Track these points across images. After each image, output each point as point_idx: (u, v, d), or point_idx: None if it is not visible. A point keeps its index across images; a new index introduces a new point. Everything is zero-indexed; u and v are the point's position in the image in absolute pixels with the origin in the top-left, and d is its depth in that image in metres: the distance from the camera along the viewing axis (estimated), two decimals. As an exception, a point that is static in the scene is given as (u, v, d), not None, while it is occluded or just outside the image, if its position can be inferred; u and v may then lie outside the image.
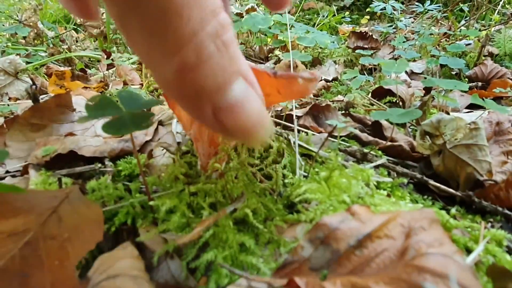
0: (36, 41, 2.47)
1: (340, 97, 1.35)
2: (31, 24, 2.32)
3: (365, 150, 0.80)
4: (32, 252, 0.42)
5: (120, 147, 0.71)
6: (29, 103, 1.14)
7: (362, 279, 0.32)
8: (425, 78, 1.06)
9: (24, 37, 2.44)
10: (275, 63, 2.05)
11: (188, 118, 0.55)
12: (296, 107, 0.96)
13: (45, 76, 1.67)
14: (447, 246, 0.34)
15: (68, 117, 0.85)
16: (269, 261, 0.42)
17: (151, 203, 0.49)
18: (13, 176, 0.67)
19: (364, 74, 1.75)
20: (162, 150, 0.72)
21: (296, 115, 0.83)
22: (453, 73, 1.82)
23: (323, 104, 0.94)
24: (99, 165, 0.65)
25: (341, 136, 0.86)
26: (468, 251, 0.52)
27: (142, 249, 0.45)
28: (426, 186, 0.75)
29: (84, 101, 0.92)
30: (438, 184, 0.71)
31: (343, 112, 1.04)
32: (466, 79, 1.77)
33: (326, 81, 1.81)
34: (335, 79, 1.86)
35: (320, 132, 0.88)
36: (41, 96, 1.05)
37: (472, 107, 1.37)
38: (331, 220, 0.40)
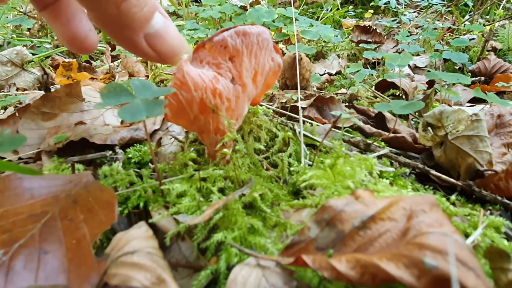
0: (40, 33, 2.48)
1: (343, 91, 1.36)
2: (35, 16, 2.34)
3: (369, 141, 0.82)
4: (51, 232, 0.44)
5: (130, 135, 0.73)
6: (37, 93, 1.16)
7: (366, 256, 0.34)
8: (429, 71, 1.07)
9: (29, 29, 2.46)
10: (278, 57, 2.05)
11: (188, 118, 0.56)
12: (300, 99, 0.98)
13: (51, 67, 1.69)
14: (446, 226, 0.36)
15: (78, 106, 0.87)
16: (276, 242, 0.44)
17: (162, 187, 0.51)
18: (26, 163, 0.69)
19: (368, 68, 1.76)
20: (171, 138, 0.74)
21: (301, 106, 0.84)
22: (457, 67, 1.83)
23: (327, 96, 0.96)
24: (110, 152, 0.67)
25: (345, 127, 0.88)
26: (467, 237, 0.54)
27: (155, 231, 0.47)
28: (427, 176, 0.77)
29: (93, 92, 0.94)
30: (439, 174, 0.73)
31: (346, 104, 1.06)
32: (469, 74, 1.78)
33: (330, 74, 1.82)
34: (338, 72, 1.87)
35: (324, 123, 0.90)
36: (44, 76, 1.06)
37: (474, 101, 1.38)
38: (337, 202, 0.42)
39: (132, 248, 0.38)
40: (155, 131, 0.78)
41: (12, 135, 0.52)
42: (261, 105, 0.89)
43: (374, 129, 0.91)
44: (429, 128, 0.81)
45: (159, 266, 0.36)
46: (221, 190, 0.52)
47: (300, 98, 0.92)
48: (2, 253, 0.39)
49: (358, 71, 1.36)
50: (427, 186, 0.74)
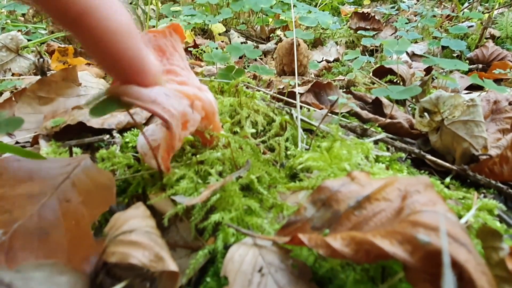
0: (35, 19, 2.45)
1: (341, 77, 1.36)
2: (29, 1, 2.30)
3: (366, 126, 0.82)
4: (50, 213, 0.45)
5: (127, 119, 0.73)
6: (33, 78, 1.15)
7: (360, 233, 0.34)
8: (427, 58, 1.07)
9: (23, 14, 2.42)
10: (276, 43, 2.04)
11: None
12: (298, 85, 0.98)
13: (46, 53, 1.67)
14: (440, 205, 0.36)
15: (74, 91, 0.86)
16: (273, 223, 0.45)
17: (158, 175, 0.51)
18: (23, 147, 0.69)
19: (366, 55, 1.76)
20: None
21: (298, 92, 0.84)
22: (455, 55, 1.83)
23: (325, 82, 0.96)
24: (107, 136, 0.67)
25: (342, 113, 0.88)
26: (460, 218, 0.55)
27: (153, 213, 0.48)
28: (423, 161, 0.77)
29: (89, 76, 0.93)
30: (434, 159, 0.73)
31: (344, 90, 1.06)
32: (467, 61, 1.77)
33: (328, 62, 1.82)
34: (336, 60, 1.87)
35: (321, 109, 0.90)
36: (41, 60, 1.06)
37: (471, 88, 1.38)
38: (333, 183, 0.42)
39: (130, 227, 0.38)
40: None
41: (9, 117, 0.52)
42: (259, 91, 0.89)
43: (371, 115, 0.92)
44: (426, 113, 0.81)
45: (157, 244, 0.37)
46: (219, 174, 0.52)
47: (298, 84, 0.91)
48: (2, 232, 0.39)
49: (356, 58, 1.35)
50: (422, 171, 0.75)
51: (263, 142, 0.67)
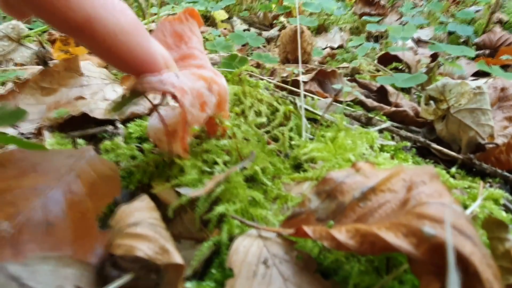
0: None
1: (345, 65, 1.35)
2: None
3: (370, 115, 0.81)
4: (55, 205, 0.45)
5: (130, 110, 0.73)
6: (35, 68, 1.14)
7: (365, 225, 0.34)
8: (433, 44, 1.05)
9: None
10: (279, 30, 2.02)
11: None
12: (302, 73, 0.97)
13: (48, 42, 1.66)
14: (445, 196, 0.36)
15: (77, 81, 0.86)
16: (277, 214, 0.45)
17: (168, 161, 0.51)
18: (27, 138, 0.69)
19: (371, 42, 1.73)
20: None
21: (302, 81, 0.83)
22: (461, 40, 1.80)
23: (329, 70, 0.95)
24: (111, 127, 0.67)
25: (346, 102, 0.87)
26: (466, 208, 0.54)
27: (158, 204, 0.48)
28: (428, 150, 0.77)
29: (92, 66, 0.93)
30: (440, 148, 0.73)
31: (348, 78, 1.05)
32: (474, 47, 1.74)
33: (332, 48, 1.79)
34: (340, 46, 1.84)
35: (325, 97, 0.89)
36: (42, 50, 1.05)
37: (478, 75, 1.36)
38: (337, 174, 0.42)
39: (135, 219, 0.38)
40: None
41: (12, 109, 0.52)
42: (262, 79, 0.88)
43: (376, 103, 0.91)
44: (432, 101, 0.80)
45: (162, 236, 0.37)
46: (224, 164, 0.52)
47: (301, 72, 0.90)
48: (8, 225, 0.40)
49: (360, 44, 1.33)
50: (427, 160, 0.75)
51: (267, 132, 0.67)
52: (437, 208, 0.33)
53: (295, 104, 0.74)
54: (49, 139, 0.66)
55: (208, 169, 0.50)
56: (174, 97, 0.46)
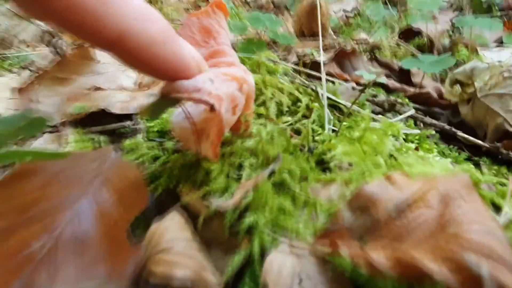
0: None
1: (362, 35, 1.29)
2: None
3: (392, 98, 0.79)
4: (84, 219, 0.45)
5: (148, 102, 0.71)
6: (46, 49, 1.12)
7: (405, 252, 0.34)
8: (454, 11, 0.99)
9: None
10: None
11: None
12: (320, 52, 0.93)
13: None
14: (487, 219, 0.35)
15: (92, 69, 0.84)
16: (307, 225, 0.45)
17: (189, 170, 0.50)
18: (50, 132, 0.69)
19: (388, 7, 1.64)
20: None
21: (323, 67, 0.80)
22: (484, 5, 1.69)
23: (349, 50, 0.91)
24: (129, 122, 0.66)
25: (369, 87, 0.84)
26: (495, 206, 0.54)
27: (185, 211, 0.48)
28: (452, 135, 0.75)
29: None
30: (466, 136, 0.71)
31: (368, 55, 1.00)
32: (497, 10, 1.65)
33: (346, 15, 1.71)
34: (355, 12, 1.76)
35: (345, 80, 0.86)
36: (59, 41, 1.02)
37: (502, 41, 1.30)
38: (371, 189, 0.41)
39: (168, 242, 0.38)
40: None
41: (32, 117, 0.51)
42: (279, 63, 0.85)
43: (397, 84, 0.88)
44: (458, 85, 0.77)
45: (198, 261, 0.37)
46: (250, 166, 0.52)
47: (322, 58, 0.87)
48: (40, 246, 0.40)
49: (376, 10, 1.27)
50: (451, 146, 0.73)
51: (290, 124, 0.65)
52: (479, 235, 0.33)
53: (316, 93, 0.71)
54: (72, 136, 0.65)
55: (235, 175, 0.50)
56: (210, 105, 0.44)
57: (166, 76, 0.43)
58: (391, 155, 0.54)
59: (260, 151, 0.53)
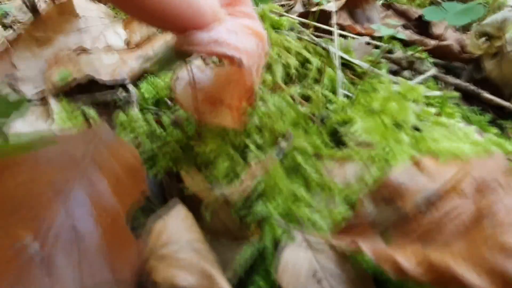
0: None
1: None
2: None
3: (409, 53, 0.71)
4: (80, 211, 0.41)
5: (140, 67, 0.64)
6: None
7: (439, 258, 0.30)
8: None
9: None
10: None
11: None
12: (329, 1, 0.83)
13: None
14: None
15: (73, 25, 0.75)
16: (324, 213, 0.41)
17: (194, 146, 0.45)
18: (34, 105, 0.62)
19: None
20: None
21: (335, 22, 0.71)
22: None
23: (362, -4, 0.81)
24: (121, 90, 0.59)
25: (381, 38, 0.76)
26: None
27: (189, 200, 0.44)
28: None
29: (87, 3, 0.81)
30: (492, 97, 0.65)
31: (383, 2, 0.90)
32: None
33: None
34: None
35: (358, 33, 0.77)
36: None
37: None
38: (397, 177, 0.36)
39: (173, 242, 0.35)
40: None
41: (9, 98, 0.45)
42: (283, 15, 0.76)
43: (415, 36, 0.79)
44: (484, 38, 0.69)
45: (206, 261, 0.34)
46: (257, 147, 0.47)
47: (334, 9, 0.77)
48: (37, 246, 0.36)
49: None
50: (474, 107, 0.67)
51: (299, 91, 0.59)
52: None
53: (327, 52, 0.64)
54: (56, 109, 0.59)
55: (240, 158, 0.45)
56: (232, 59, 0.37)
57: (178, 26, 0.37)
58: (414, 128, 0.48)
59: (266, 128, 0.47)
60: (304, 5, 0.99)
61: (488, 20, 0.66)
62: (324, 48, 0.64)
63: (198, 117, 0.45)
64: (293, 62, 0.61)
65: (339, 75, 0.60)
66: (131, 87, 0.61)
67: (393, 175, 0.36)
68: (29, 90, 0.65)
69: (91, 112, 0.57)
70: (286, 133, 0.47)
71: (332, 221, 0.39)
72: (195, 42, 0.36)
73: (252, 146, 0.45)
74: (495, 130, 0.60)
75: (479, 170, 0.37)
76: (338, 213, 0.40)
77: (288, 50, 0.63)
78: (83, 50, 0.69)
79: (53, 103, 0.60)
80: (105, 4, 0.84)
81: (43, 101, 0.62)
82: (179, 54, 0.39)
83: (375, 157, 0.43)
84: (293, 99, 0.56)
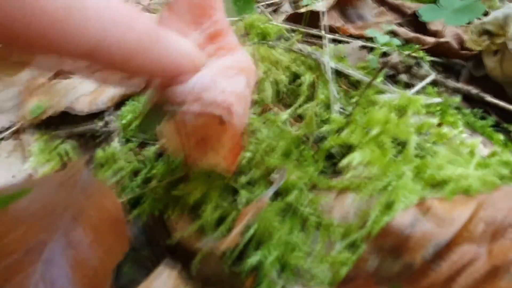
0: None
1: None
2: None
3: (406, 52, 0.67)
4: (57, 273, 0.37)
5: (120, 92, 0.59)
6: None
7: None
8: None
9: None
10: None
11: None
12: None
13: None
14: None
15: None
16: (322, 258, 0.37)
17: (176, 193, 0.42)
18: (5, 140, 0.58)
19: None
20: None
21: (321, 13, 0.66)
22: None
23: (352, -7, 0.75)
24: (100, 124, 0.55)
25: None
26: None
27: (177, 249, 0.41)
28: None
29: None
30: (497, 101, 0.61)
31: (375, -3, 0.85)
32: None
33: None
34: None
35: (349, 35, 0.72)
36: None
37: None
38: (401, 223, 0.33)
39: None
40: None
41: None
42: (271, 21, 0.71)
43: (411, 34, 0.74)
44: (485, 36, 0.65)
45: None
46: (248, 183, 0.43)
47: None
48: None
49: None
50: (476, 109, 0.63)
51: (290, 111, 0.55)
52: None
53: (318, 65, 0.59)
54: (32, 145, 0.55)
55: (231, 199, 0.41)
56: (219, 118, 0.34)
57: (158, 77, 0.34)
58: (416, 156, 0.44)
59: (257, 163, 0.43)
60: (293, 2, 0.93)
61: (489, 17, 0.61)
62: (315, 60, 0.60)
63: (186, 159, 0.41)
64: (282, 78, 0.57)
65: (333, 90, 0.56)
66: (111, 117, 0.56)
67: (396, 221, 0.33)
68: (1, 125, 0.60)
69: (68, 147, 0.53)
70: (278, 170, 0.43)
71: (331, 268, 0.36)
72: (177, 100, 0.32)
73: (242, 192, 0.42)
74: (500, 136, 0.57)
75: (488, 210, 0.33)
76: (338, 262, 0.36)
77: (276, 65, 0.59)
78: (57, 75, 0.64)
79: (27, 139, 0.55)
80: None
81: (16, 135, 0.58)
82: (163, 111, 0.35)
83: (374, 191, 0.39)
84: (284, 122, 0.53)
